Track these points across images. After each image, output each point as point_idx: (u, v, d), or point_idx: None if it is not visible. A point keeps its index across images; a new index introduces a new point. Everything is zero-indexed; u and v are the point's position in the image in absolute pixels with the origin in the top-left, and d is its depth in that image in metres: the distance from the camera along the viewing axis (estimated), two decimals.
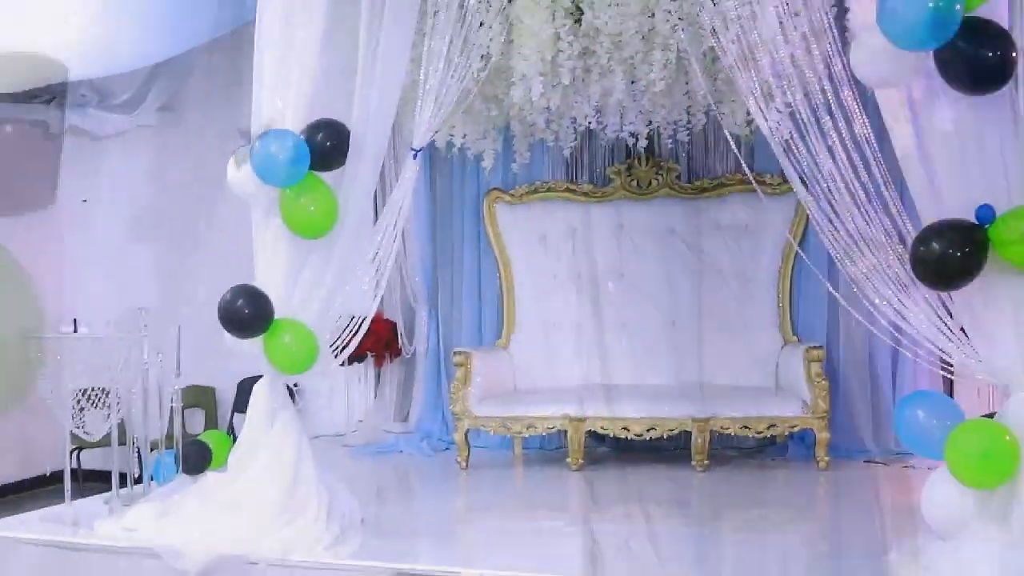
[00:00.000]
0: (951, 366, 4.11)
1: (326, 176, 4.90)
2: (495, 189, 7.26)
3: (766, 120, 4.44)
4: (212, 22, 6.77)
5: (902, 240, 4.19)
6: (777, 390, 6.55)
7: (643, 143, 6.13)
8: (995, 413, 4.00)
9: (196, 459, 5.62)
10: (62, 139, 8.41)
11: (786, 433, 6.35)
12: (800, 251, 6.44)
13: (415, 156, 4.92)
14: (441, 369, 7.55)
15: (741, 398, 6.33)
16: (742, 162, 5.79)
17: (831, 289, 5.19)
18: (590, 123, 5.82)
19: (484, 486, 6.36)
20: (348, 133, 4.87)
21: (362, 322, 5.09)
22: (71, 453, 6.63)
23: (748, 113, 5.94)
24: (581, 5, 4.86)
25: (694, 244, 7.00)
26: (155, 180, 8.55)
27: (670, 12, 4.74)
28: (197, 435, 8.11)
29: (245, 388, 8.00)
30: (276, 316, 4.89)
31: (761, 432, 6.22)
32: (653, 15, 4.80)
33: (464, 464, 6.55)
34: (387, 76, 4.86)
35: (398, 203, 4.93)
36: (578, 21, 4.90)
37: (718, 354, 6.85)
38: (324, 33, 4.90)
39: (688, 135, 6.24)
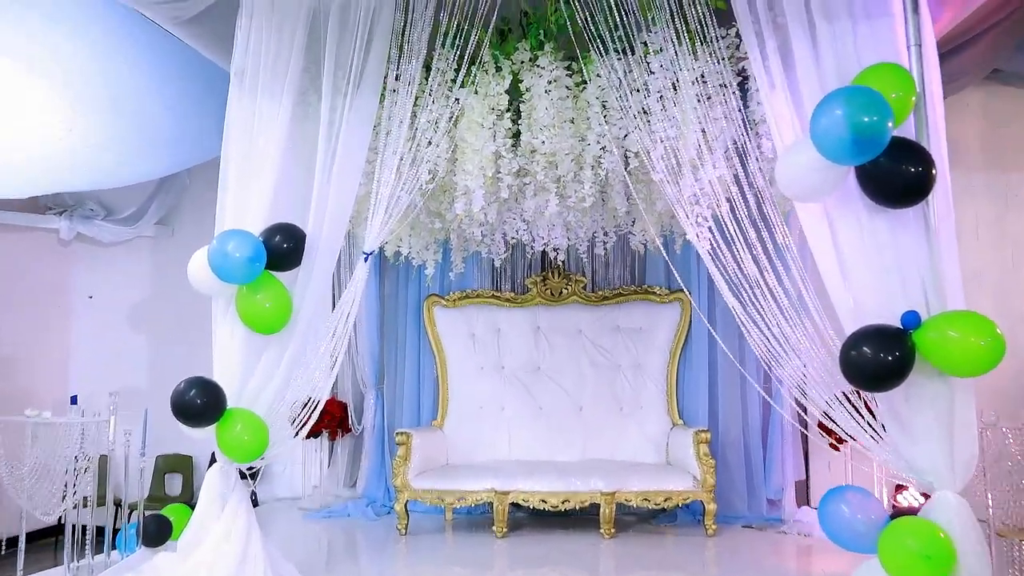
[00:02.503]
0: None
1: (282, 276, 3.67)
2: (433, 294, 6.09)
3: (694, 228, 3.36)
4: (210, 145, 5.50)
5: (824, 343, 3.16)
6: (668, 466, 5.38)
7: (561, 256, 5.00)
8: None
9: (156, 532, 4.19)
10: (72, 245, 7.02)
11: (677, 503, 5.14)
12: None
13: (366, 259, 3.72)
14: (385, 444, 6.21)
15: (640, 474, 5.15)
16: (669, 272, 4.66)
17: (759, 388, 3.97)
18: (520, 236, 4.66)
19: (422, 550, 5.03)
20: (304, 236, 3.66)
21: (317, 404, 3.80)
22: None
23: (662, 229, 5.00)
24: (520, 127, 3.75)
25: (598, 342, 5.87)
26: (150, 282, 7.21)
27: (601, 136, 3.64)
28: (176, 497, 6.79)
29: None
30: (229, 406, 3.60)
31: (659, 504, 5.04)
32: (584, 138, 3.70)
33: (404, 531, 5.23)
34: (342, 186, 3.70)
35: (349, 301, 3.70)
36: (516, 143, 3.77)
37: (618, 435, 5.70)
38: (285, 145, 3.73)
39: (603, 249, 5.11)
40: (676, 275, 5.73)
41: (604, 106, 3.67)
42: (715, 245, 3.31)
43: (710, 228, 3.41)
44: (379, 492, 6.07)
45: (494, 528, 5.14)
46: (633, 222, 4.78)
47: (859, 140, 2.79)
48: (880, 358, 2.87)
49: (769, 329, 3.22)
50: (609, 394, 5.79)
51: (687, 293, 5.74)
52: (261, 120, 3.76)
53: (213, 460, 6.37)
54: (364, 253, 3.69)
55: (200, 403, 3.47)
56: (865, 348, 2.90)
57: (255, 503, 6.52)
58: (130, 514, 4.41)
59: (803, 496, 5.62)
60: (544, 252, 5.84)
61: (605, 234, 4.95)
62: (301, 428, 3.74)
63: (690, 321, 5.73)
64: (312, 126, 3.86)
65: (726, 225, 3.31)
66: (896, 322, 2.95)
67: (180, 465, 6.90)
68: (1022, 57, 4.46)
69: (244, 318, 3.58)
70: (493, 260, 5.92)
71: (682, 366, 5.75)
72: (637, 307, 5.86)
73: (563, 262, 5.87)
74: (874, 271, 3.05)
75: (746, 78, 3.57)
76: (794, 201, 3.20)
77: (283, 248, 3.60)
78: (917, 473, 2.92)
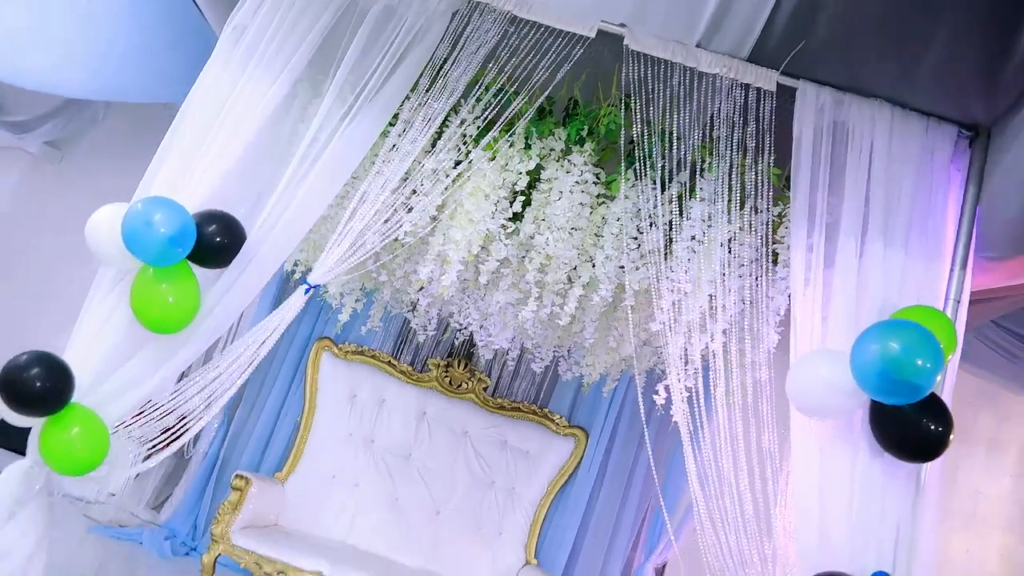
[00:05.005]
0: None
1: (199, 271, 2.92)
2: (327, 338, 5.34)
3: (681, 394, 2.90)
4: (157, 89, 4.61)
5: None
6: None
7: (487, 355, 4.41)
8: None
9: None
10: None
11: None
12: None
13: (307, 291, 3.01)
14: (212, 477, 5.22)
15: None
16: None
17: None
18: (465, 324, 4.05)
19: None
20: (243, 237, 2.95)
21: (179, 434, 2.98)
22: None
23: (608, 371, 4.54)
24: (523, 217, 3.22)
25: (480, 452, 5.25)
26: (6, 199, 5.98)
27: (607, 259, 3.17)
28: None
29: None
30: (72, 399, 2.75)
31: None
32: (592, 259, 3.21)
33: None
34: (310, 201, 3.02)
35: (270, 328, 2.97)
36: (516, 229, 3.23)
37: (468, 554, 5.02)
38: (260, 128, 3.03)
39: (539, 364, 4.52)
40: (581, 410, 5.38)
41: (619, 231, 3.22)
42: (694, 419, 2.87)
43: (689, 398, 2.97)
44: (185, 528, 5.09)
45: None
46: (583, 355, 4.30)
47: (906, 383, 2.46)
48: None
49: (725, 535, 2.77)
50: (474, 509, 5.14)
51: (585, 432, 5.30)
52: (243, 90, 3.06)
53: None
54: (307, 284, 3.00)
55: (39, 387, 2.61)
56: None
57: None
58: None
59: None
60: (455, 339, 5.28)
61: (550, 351, 4.39)
62: (147, 458, 2.91)
63: (579, 461, 5.25)
64: (294, 123, 3.22)
65: (713, 401, 2.88)
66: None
67: None
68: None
69: (136, 305, 2.79)
70: (404, 324, 5.30)
71: (557, 503, 5.20)
72: (532, 429, 5.31)
73: (465, 355, 5.35)
74: (854, 514, 2.68)
75: (774, 261, 3.23)
76: (795, 410, 2.82)
77: (215, 241, 2.86)
78: None
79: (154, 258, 2.73)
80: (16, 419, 2.72)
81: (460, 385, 5.38)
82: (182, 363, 2.94)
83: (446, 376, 5.39)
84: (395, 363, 5.39)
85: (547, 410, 5.39)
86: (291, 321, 3.01)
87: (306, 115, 3.22)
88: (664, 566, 5.15)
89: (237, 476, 4.52)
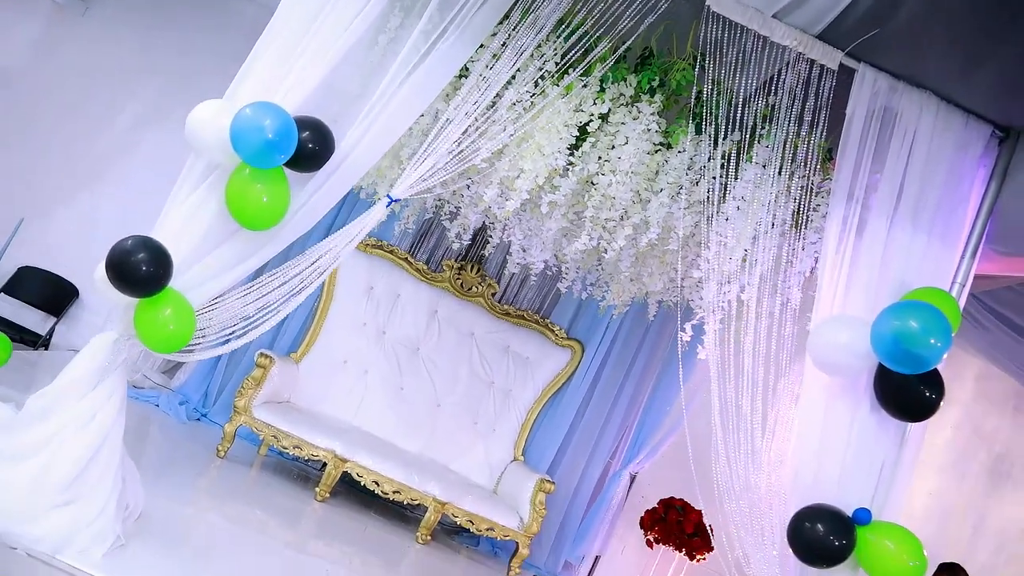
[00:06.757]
0: None
1: (289, 174, 3.09)
2: None
3: (715, 335, 3.25)
4: None
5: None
6: (494, 496, 5.24)
7: (514, 270, 4.65)
8: None
9: None
10: None
11: (496, 536, 4.99)
12: None
13: (389, 204, 3.22)
14: None
15: (475, 495, 4.94)
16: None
17: None
18: (507, 243, 4.29)
19: (237, 481, 4.54)
20: (333, 146, 3.11)
21: (254, 326, 3.17)
22: None
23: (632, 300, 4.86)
24: (583, 154, 3.43)
25: (484, 353, 5.62)
26: (29, 50, 5.79)
27: (661, 204, 3.43)
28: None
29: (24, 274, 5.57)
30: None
31: (480, 530, 4.86)
32: (648, 201, 3.47)
33: (223, 454, 4.67)
34: (399, 114, 3.19)
35: (352, 233, 3.19)
36: (581, 167, 3.45)
37: (462, 447, 5.47)
38: (360, 38, 3.15)
39: (564, 284, 4.79)
40: (580, 325, 5.74)
41: (674, 180, 3.47)
42: (722, 359, 3.23)
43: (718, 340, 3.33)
44: (197, 395, 5.39)
45: (317, 489, 4.73)
46: (607, 283, 4.61)
47: (919, 357, 2.84)
48: (829, 540, 2.93)
49: (736, 461, 3.19)
50: (472, 405, 5.55)
51: (581, 346, 5.68)
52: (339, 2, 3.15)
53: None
54: (390, 197, 3.20)
55: (144, 271, 2.80)
56: (819, 525, 2.95)
57: (46, 345, 5.54)
58: None
59: (590, 569, 5.73)
60: (472, 242, 5.54)
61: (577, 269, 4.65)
62: (225, 342, 3.14)
63: (573, 371, 5.66)
64: (388, 38, 3.32)
65: (743, 344, 3.24)
66: (847, 511, 3.04)
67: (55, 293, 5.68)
68: None
69: (231, 201, 2.96)
70: (424, 224, 5.54)
71: (548, 407, 5.65)
72: (532, 337, 5.69)
73: (477, 260, 5.63)
74: (847, 458, 3.11)
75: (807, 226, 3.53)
76: (810, 363, 3.20)
77: (307, 148, 3.02)
78: None
79: (256, 160, 2.89)
80: (113, 296, 2.92)
81: (471, 288, 5.67)
82: (264, 258, 3.15)
83: (458, 278, 5.67)
84: (412, 261, 5.63)
85: (549, 321, 5.75)
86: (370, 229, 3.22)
87: (399, 33, 3.32)
88: (636, 475, 5.68)
89: (261, 354, 4.79)
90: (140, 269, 2.80)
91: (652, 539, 5.31)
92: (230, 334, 3.14)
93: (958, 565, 5.47)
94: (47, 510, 2.70)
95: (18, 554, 2.55)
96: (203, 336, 3.11)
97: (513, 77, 3.31)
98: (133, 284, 2.83)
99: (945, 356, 2.95)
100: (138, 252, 2.80)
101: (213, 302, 3.08)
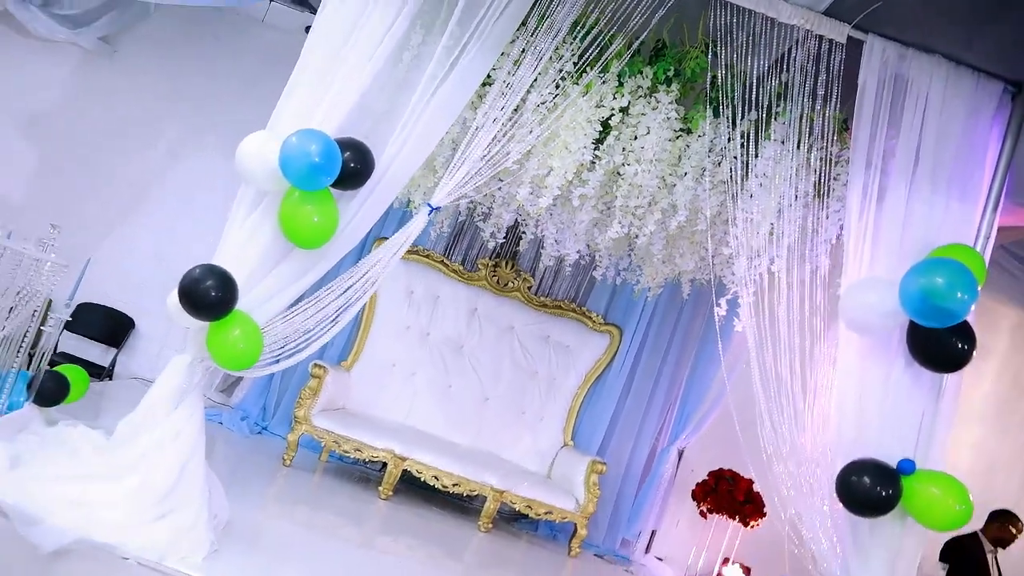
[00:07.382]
0: None
1: (335, 193, 3.30)
2: (383, 237, 5.70)
3: (750, 308, 3.41)
4: None
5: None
6: (549, 480, 5.45)
7: (548, 262, 4.84)
8: None
9: (52, 391, 3.68)
10: None
11: (554, 519, 5.19)
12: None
13: (430, 212, 3.42)
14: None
15: (531, 481, 5.16)
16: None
17: None
18: (541, 238, 4.49)
19: (306, 487, 4.81)
20: (373, 163, 3.32)
21: (314, 340, 3.39)
22: None
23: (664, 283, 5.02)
24: (607, 146, 3.61)
25: (525, 345, 5.82)
26: (63, 95, 6.07)
27: (686, 188, 3.60)
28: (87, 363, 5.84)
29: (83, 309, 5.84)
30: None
31: (539, 514, 5.07)
32: (672, 186, 3.64)
33: (289, 462, 4.91)
34: (432, 126, 3.38)
35: (397, 243, 3.39)
36: (607, 159, 3.63)
37: (512, 437, 5.69)
38: (389, 55, 3.34)
39: (599, 271, 4.96)
40: (617, 310, 5.91)
41: (697, 164, 3.64)
42: (759, 328, 3.39)
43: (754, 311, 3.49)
44: (255, 409, 5.65)
45: (380, 488, 4.96)
46: (640, 267, 4.79)
47: (947, 311, 2.98)
48: (876, 490, 3.09)
49: (781, 424, 3.35)
50: (518, 396, 5.75)
51: (619, 330, 5.86)
52: (369, 21, 3.34)
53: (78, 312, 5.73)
54: (430, 205, 3.41)
55: (214, 296, 3.04)
56: (865, 478, 3.12)
57: (110, 375, 5.82)
58: (32, 363, 3.75)
59: (647, 544, 5.91)
60: (505, 240, 5.72)
61: (610, 257, 4.82)
62: (291, 356, 3.36)
63: (613, 355, 5.83)
64: (411, 57, 3.51)
65: (777, 313, 3.40)
66: (891, 463, 3.19)
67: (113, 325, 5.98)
68: None
69: (285, 223, 3.18)
70: (455, 227, 5.76)
71: (592, 392, 5.84)
72: (570, 325, 5.88)
73: (512, 256, 5.81)
74: (886, 413, 3.26)
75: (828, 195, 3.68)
76: (843, 326, 3.35)
77: (350, 167, 3.23)
78: None
79: (304, 183, 3.10)
80: (186, 321, 3.16)
81: (507, 284, 5.87)
82: (319, 273, 3.37)
83: (494, 275, 5.87)
84: (447, 263, 5.84)
85: (585, 308, 5.93)
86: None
87: (422, 50, 3.50)
88: (683, 451, 5.85)
89: (315, 365, 5.02)
90: (210, 295, 3.03)
91: (705, 510, 5.48)
92: (295, 347, 3.36)
93: (1011, 512, 5.57)
94: (148, 522, 2.94)
95: (129, 563, 2.79)
96: (269, 352, 3.34)
97: (535, 80, 3.49)
98: (205, 309, 3.06)
99: (973, 307, 3.09)
100: (206, 279, 3.03)
101: (276, 319, 3.31)
